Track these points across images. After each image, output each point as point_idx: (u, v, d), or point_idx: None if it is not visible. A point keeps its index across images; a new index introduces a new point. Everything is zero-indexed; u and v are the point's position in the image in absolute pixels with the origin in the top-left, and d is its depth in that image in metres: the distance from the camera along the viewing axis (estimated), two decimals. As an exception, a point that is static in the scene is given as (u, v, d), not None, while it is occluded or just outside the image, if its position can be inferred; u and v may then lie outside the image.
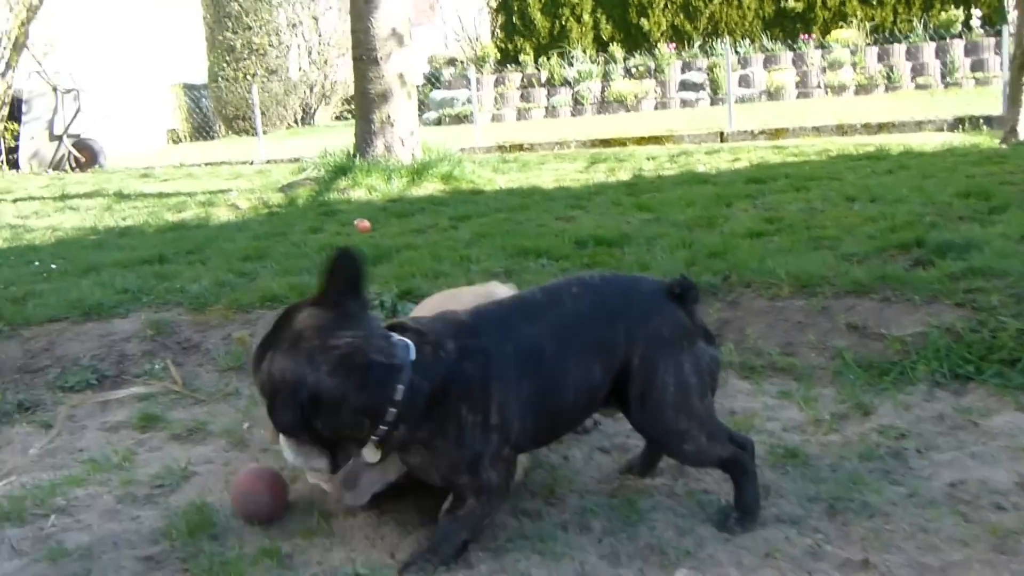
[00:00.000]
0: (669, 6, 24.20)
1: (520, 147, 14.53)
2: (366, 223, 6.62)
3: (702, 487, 2.86)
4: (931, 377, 3.50)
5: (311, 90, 25.37)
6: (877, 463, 2.96)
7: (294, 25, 24.68)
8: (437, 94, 24.18)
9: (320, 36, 25.21)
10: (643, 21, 24.28)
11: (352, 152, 9.77)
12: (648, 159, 11.14)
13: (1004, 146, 10.00)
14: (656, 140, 14.67)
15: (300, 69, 24.81)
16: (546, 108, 23.28)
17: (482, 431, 2.42)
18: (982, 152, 9.45)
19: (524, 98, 23.55)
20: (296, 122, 24.98)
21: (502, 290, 3.29)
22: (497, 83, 23.98)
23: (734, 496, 2.65)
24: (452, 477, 2.47)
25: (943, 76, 21.45)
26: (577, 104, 23.11)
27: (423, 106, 21.89)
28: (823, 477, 2.88)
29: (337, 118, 25.86)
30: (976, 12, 21.81)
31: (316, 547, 2.69)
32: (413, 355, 2.38)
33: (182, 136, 25.83)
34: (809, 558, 2.44)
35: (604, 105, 22.93)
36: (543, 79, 23.79)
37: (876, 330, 3.80)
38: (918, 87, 21.34)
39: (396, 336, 2.42)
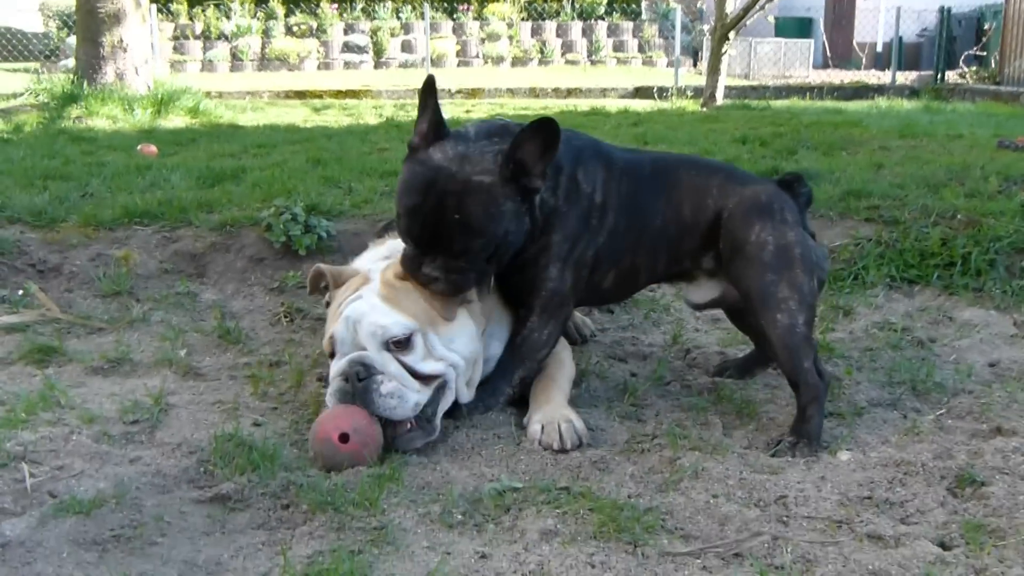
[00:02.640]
0: (332, -34, 23.65)
1: (208, 94, 13.46)
2: (152, 147, 5.82)
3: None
4: (884, 282, 3.72)
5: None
6: (908, 352, 3.09)
7: None
8: (73, 40, 21.69)
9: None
10: (304, -22, 23.53)
11: (75, 79, 8.46)
12: (375, 108, 10.83)
13: (705, 109, 10.91)
14: (353, 94, 14.29)
15: None
16: (202, 62, 21.76)
17: (586, 209, 2.52)
18: (695, 114, 10.23)
19: (177, 50, 21.86)
20: None
21: None
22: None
23: (795, 422, 2.44)
24: (542, 274, 2.53)
25: (589, 54, 23.02)
26: (236, 60, 21.85)
27: (62, 53, 19.61)
28: (877, 366, 2.95)
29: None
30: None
31: (417, 466, 2.29)
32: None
33: None
34: (942, 432, 2.49)
35: (265, 62, 21.91)
36: (198, 31, 22.26)
37: (807, 242, 3.96)
38: (568, 62, 22.72)
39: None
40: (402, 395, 2.34)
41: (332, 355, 2.46)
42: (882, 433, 2.48)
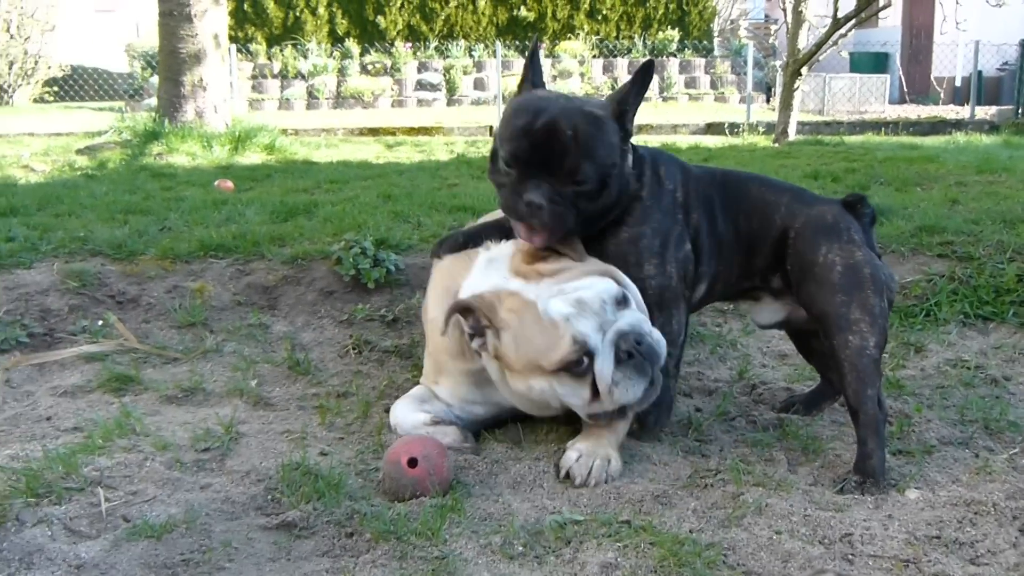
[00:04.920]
0: (406, 6, 24.07)
1: (284, 131, 13.76)
2: (229, 183, 6.00)
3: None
4: (957, 318, 3.64)
5: (10, 68, 22.61)
6: (981, 389, 3.03)
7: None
8: (155, 80, 22.39)
9: (21, 8, 22.52)
10: (379, 19, 23.96)
11: (156, 117, 8.76)
12: (446, 145, 10.99)
13: (777, 145, 10.83)
14: (426, 131, 14.50)
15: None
16: (279, 100, 22.26)
17: (670, 205, 2.57)
18: (767, 149, 10.17)
19: (256, 89, 22.44)
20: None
21: None
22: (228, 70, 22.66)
23: (857, 461, 2.38)
24: (639, 273, 2.51)
25: (661, 91, 23.02)
26: (312, 98, 22.32)
27: (145, 92, 20.28)
28: (948, 404, 2.89)
29: (37, 100, 23.22)
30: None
31: (479, 497, 2.30)
32: None
33: None
34: (1015, 472, 2.43)
35: (340, 100, 22.36)
36: (276, 70, 22.83)
37: (878, 278, 3.89)
38: (639, 99, 22.74)
39: None
40: (655, 334, 2.36)
41: (580, 362, 2.28)
42: (952, 472, 2.43)
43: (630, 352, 2.27)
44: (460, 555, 2.02)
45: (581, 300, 2.30)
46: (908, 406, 2.86)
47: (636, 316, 2.35)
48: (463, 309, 2.44)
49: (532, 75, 2.55)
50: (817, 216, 2.58)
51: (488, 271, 2.54)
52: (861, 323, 2.43)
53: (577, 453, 2.38)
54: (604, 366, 2.28)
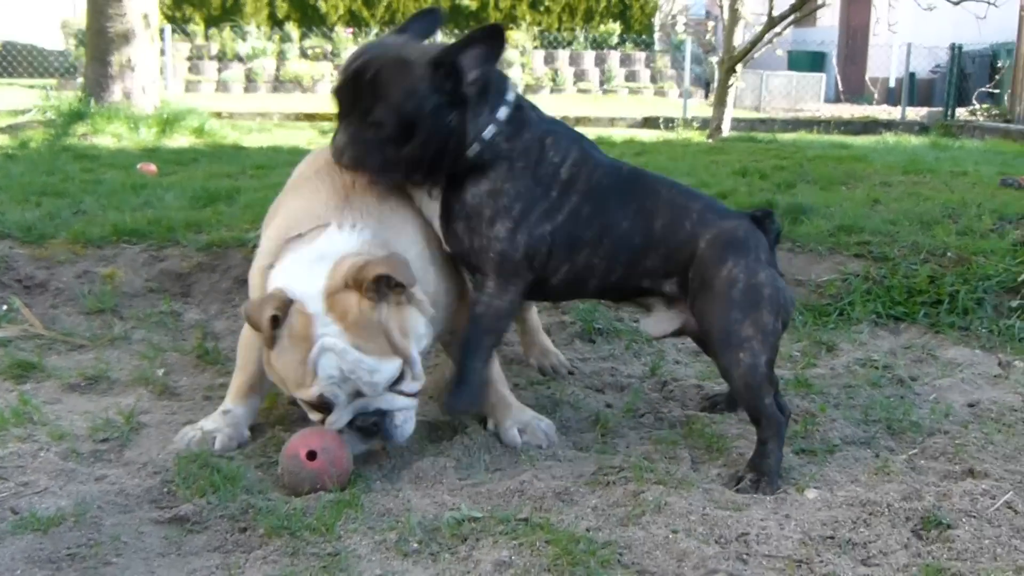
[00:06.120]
0: (348, -9, 23.85)
1: (219, 115, 13.51)
2: (152, 166, 5.87)
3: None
4: (869, 318, 3.70)
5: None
6: (887, 389, 3.08)
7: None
8: (87, 57, 21.88)
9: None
10: (320, 3, 23.69)
11: (82, 96, 8.54)
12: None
13: (711, 141, 10.92)
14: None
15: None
16: (217, 83, 21.86)
17: (547, 176, 2.47)
18: (700, 145, 10.24)
19: (192, 70, 22.01)
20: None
21: None
22: (162, 52, 22.16)
23: (754, 457, 2.42)
24: (484, 229, 2.44)
25: (601, 83, 23.07)
26: (250, 81, 21.95)
27: (78, 70, 19.79)
28: (854, 403, 2.93)
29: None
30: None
31: (378, 492, 2.28)
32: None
33: None
34: (913, 472, 2.47)
35: (279, 84, 22.03)
36: (213, 52, 22.44)
37: (795, 276, 3.94)
38: (580, 91, 22.75)
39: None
40: (408, 417, 2.37)
41: (321, 408, 2.32)
42: (852, 472, 2.46)
43: (362, 427, 2.34)
44: (353, 551, 1.99)
45: (350, 373, 2.26)
46: (814, 405, 2.89)
47: (394, 402, 2.33)
48: (261, 302, 2.31)
49: (406, 26, 2.57)
50: (729, 230, 2.53)
51: (309, 268, 2.32)
52: (753, 340, 2.42)
53: (515, 428, 2.59)
54: (336, 422, 2.33)
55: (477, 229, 2.44)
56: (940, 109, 16.97)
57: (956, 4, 10.50)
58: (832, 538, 2.10)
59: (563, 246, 2.48)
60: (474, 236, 2.45)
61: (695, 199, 2.62)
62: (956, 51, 16.73)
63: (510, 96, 2.49)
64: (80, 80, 15.95)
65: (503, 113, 2.46)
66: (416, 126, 2.37)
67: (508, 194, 2.44)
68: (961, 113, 16.34)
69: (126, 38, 8.40)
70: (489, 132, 2.43)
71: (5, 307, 3.40)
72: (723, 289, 2.45)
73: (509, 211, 2.43)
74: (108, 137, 7.80)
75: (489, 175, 2.45)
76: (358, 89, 2.37)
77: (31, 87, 17.09)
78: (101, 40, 8.50)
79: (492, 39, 2.38)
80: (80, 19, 22.21)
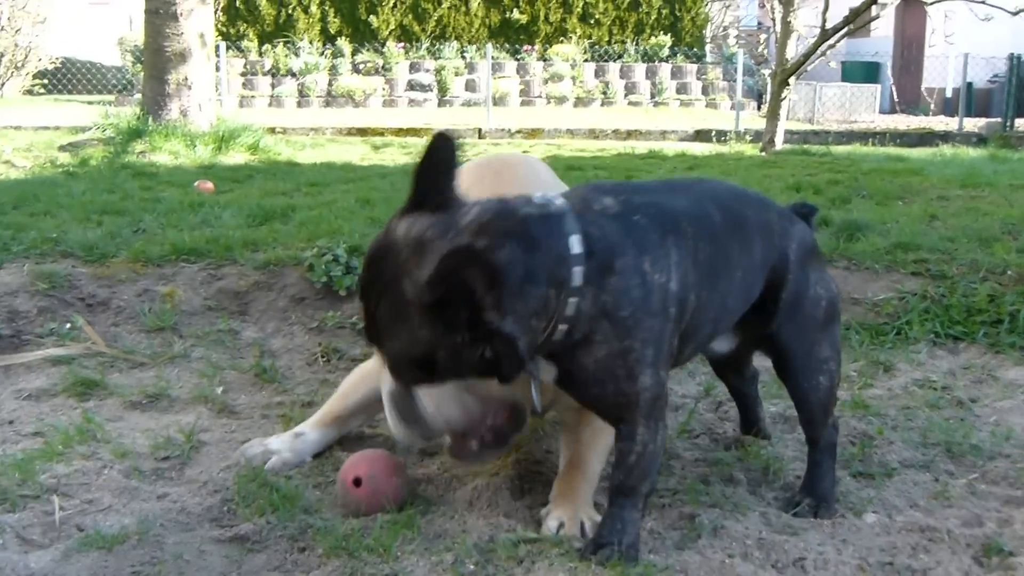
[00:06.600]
0: (399, 6, 24.05)
1: (272, 130, 13.72)
2: (209, 184, 5.99)
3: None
4: (927, 338, 3.64)
5: (0, 60, 22.51)
6: (946, 411, 3.03)
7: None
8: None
9: (12, 1, 22.40)
10: (372, 18, 23.96)
11: (141, 114, 8.74)
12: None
13: (764, 154, 10.85)
14: (414, 132, 14.48)
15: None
16: (270, 98, 22.22)
17: (660, 301, 1.97)
18: (753, 158, 10.18)
19: (246, 86, 22.38)
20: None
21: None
22: (217, 68, 22.56)
23: (807, 481, 2.37)
24: (624, 386, 1.99)
25: (652, 96, 23.02)
26: (302, 96, 22.29)
27: (136, 86, 20.21)
28: (912, 425, 2.89)
29: (27, 93, 23.10)
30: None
31: (434, 513, 2.30)
32: (564, 204, 1.96)
33: None
34: (974, 497, 2.42)
35: (331, 99, 22.33)
36: (267, 68, 22.79)
37: (851, 295, 3.90)
38: (630, 104, 22.73)
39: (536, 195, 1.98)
40: None
41: None
42: (911, 496, 2.42)
43: None
44: (411, 572, 2.01)
45: None
46: (872, 427, 2.85)
47: None
48: None
49: (420, 185, 1.92)
50: (804, 237, 2.29)
51: None
52: (831, 361, 2.33)
53: (556, 521, 2.23)
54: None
55: (616, 388, 2.02)
56: (998, 120, 16.69)
57: (1015, 15, 10.32)
58: (891, 564, 2.07)
59: (691, 338, 2.15)
60: (615, 395, 2.04)
61: (766, 207, 2.31)
62: (1015, 61, 16.43)
63: (571, 243, 1.91)
64: (137, 96, 16.33)
65: (577, 275, 1.90)
66: (437, 358, 1.90)
67: (635, 350, 1.98)
68: (1020, 124, 16.04)
69: (183, 57, 8.60)
70: (571, 308, 1.91)
71: (69, 325, 3.49)
72: (810, 310, 2.29)
73: (643, 361, 1.99)
74: (166, 155, 7.97)
75: (597, 341, 1.97)
76: (368, 325, 1.99)
77: (90, 103, 17.52)
78: (159, 59, 8.70)
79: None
80: (136, 36, 22.73)
